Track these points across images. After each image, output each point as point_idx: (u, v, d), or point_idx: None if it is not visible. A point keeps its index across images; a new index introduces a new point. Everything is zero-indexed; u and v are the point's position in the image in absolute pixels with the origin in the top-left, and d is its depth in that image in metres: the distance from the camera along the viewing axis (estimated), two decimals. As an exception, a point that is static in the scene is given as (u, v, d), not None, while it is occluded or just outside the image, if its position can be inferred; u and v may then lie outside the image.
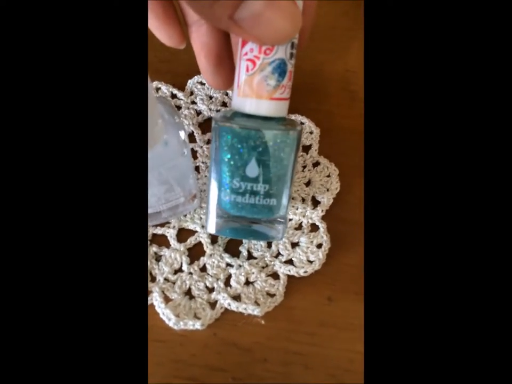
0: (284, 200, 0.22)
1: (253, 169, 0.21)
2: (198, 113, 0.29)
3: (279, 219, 0.22)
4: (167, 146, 0.21)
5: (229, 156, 0.20)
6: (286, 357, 0.21)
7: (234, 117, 0.20)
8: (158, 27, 0.21)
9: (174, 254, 0.24)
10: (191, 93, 0.30)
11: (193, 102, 0.30)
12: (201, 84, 0.30)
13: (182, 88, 0.30)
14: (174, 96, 0.30)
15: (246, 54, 0.19)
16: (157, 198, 0.23)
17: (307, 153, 0.27)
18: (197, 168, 0.27)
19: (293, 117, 0.28)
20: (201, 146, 0.28)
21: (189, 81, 0.30)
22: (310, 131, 0.27)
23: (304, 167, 0.26)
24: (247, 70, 0.19)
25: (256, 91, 0.19)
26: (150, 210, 0.24)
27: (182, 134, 0.21)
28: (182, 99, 0.30)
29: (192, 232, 0.25)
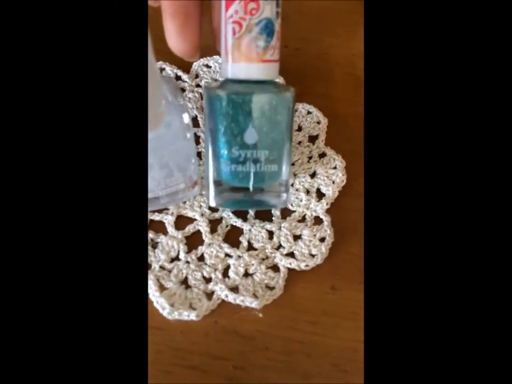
0: (285, 166, 0.21)
1: (251, 136, 0.20)
2: (203, 97, 0.28)
3: (281, 185, 0.22)
4: (170, 129, 0.20)
5: (224, 124, 0.20)
6: (288, 345, 0.21)
7: (226, 84, 0.20)
8: (173, 29, 0.19)
9: (171, 241, 0.23)
10: (196, 76, 0.29)
11: (198, 85, 0.29)
12: (207, 66, 0.29)
13: (186, 70, 0.29)
14: (178, 78, 0.29)
15: (231, 16, 0.18)
16: (156, 182, 0.22)
17: (313, 144, 0.26)
18: (199, 154, 0.26)
19: (300, 105, 0.27)
20: (205, 132, 0.27)
21: (195, 63, 0.29)
22: (318, 121, 0.26)
23: (310, 157, 0.25)
24: (234, 33, 0.18)
25: (245, 54, 0.18)
26: (148, 195, 0.23)
27: (186, 117, 0.20)
28: (186, 81, 0.28)
29: (191, 220, 0.24)
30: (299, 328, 0.21)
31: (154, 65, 0.17)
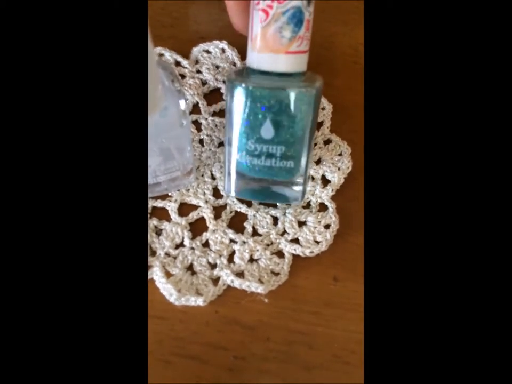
0: (303, 162, 0.21)
1: (268, 131, 0.20)
2: (204, 83, 0.28)
3: (297, 181, 0.21)
4: (165, 115, 0.19)
5: (243, 117, 0.19)
6: (290, 336, 0.21)
7: (250, 74, 0.19)
8: (236, 11, 0.21)
9: (175, 228, 0.23)
10: (197, 62, 0.28)
11: (199, 71, 0.28)
12: (208, 52, 0.29)
13: (186, 55, 0.29)
14: (178, 63, 0.28)
15: (258, 3, 0.17)
16: (151, 169, 0.22)
17: (318, 130, 0.26)
18: (201, 141, 0.26)
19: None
20: (206, 118, 0.27)
21: (194, 49, 0.29)
22: (322, 107, 0.26)
23: (315, 144, 0.25)
24: (260, 21, 0.18)
25: (270, 45, 0.18)
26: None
27: (182, 103, 0.20)
28: (186, 67, 0.28)
29: (195, 207, 0.24)
30: (300, 318, 0.21)
31: (150, 49, 0.17)
